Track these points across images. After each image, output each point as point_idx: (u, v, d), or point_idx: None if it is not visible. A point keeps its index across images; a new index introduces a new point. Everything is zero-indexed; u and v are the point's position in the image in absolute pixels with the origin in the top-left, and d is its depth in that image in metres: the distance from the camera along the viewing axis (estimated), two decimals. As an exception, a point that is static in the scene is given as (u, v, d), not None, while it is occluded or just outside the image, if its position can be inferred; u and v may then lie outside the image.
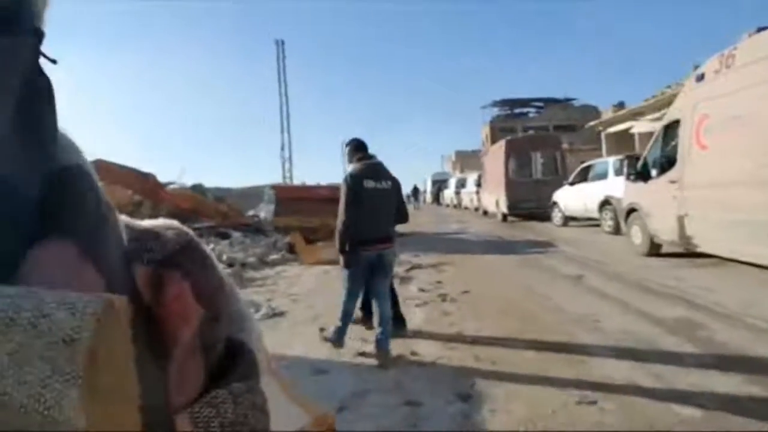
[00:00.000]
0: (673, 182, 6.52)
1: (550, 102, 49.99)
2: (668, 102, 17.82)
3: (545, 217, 13.88)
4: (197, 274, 0.27)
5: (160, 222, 0.30)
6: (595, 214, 11.07)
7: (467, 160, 55.84)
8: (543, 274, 6.80)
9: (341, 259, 3.72)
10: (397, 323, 4.11)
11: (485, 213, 18.78)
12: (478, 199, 20.15)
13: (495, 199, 16.13)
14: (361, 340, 4.16)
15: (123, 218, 0.27)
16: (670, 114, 6.96)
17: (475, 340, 4.05)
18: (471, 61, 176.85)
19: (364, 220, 3.55)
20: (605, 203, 10.55)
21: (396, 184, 3.82)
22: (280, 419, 0.27)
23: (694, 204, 6.15)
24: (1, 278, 0.17)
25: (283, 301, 6.05)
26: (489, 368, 3.43)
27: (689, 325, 4.12)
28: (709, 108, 5.85)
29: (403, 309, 5.24)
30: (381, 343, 3.61)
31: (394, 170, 3.88)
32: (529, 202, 14.48)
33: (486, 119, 50.48)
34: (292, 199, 11.29)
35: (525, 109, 51.43)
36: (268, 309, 5.57)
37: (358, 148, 3.85)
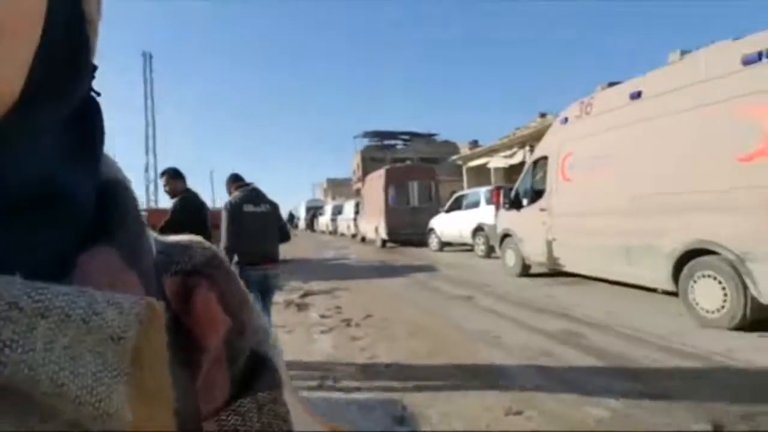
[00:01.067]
0: (542, 210, 7.39)
1: (415, 136, 53.44)
2: (518, 141, 20.41)
3: (422, 243, 14.63)
4: (223, 286, 0.27)
5: (185, 237, 0.31)
6: (469, 240, 12.00)
7: (338, 188, 56.79)
8: (436, 295, 7.13)
9: None
10: None
11: (363, 239, 19.17)
12: (356, 226, 20.51)
13: (374, 226, 16.58)
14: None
15: (151, 233, 0.28)
16: (539, 151, 7.92)
17: (390, 364, 4.07)
18: (337, 91, 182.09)
19: (247, 242, 3.70)
20: (478, 229, 11.51)
21: (275, 207, 4.09)
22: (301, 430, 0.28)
23: (560, 230, 7.02)
24: (56, 278, 0.18)
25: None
26: (413, 390, 3.46)
27: (572, 335, 4.65)
28: (572, 147, 6.80)
29: (307, 338, 5.10)
30: None
31: (275, 197, 4.16)
32: (407, 229, 15.16)
33: (357, 149, 52.01)
34: (153, 226, 10.31)
35: (393, 141, 54.16)
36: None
37: (235, 179, 4.08)
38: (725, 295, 4.55)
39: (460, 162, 27.87)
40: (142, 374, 0.19)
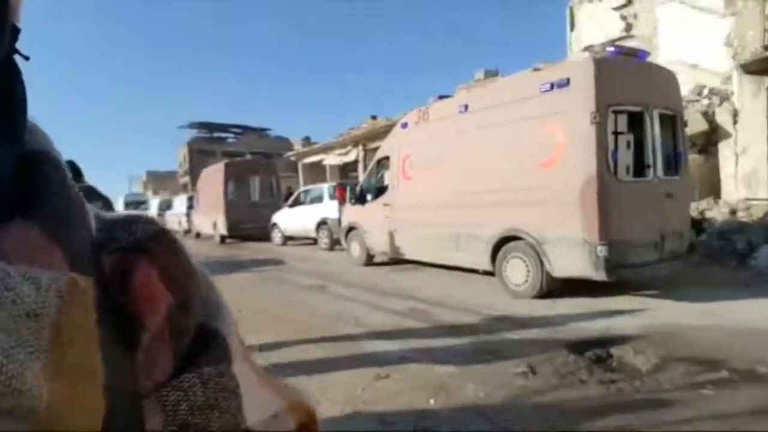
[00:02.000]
0: (385, 205, 8.18)
1: (247, 130, 51.74)
2: (352, 141, 21.57)
3: (263, 238, 14.56)
4: (165, 261, 0.27)
5: (130, 213, 0.30)
6: (313, 234, 12.41)
7: (161, 181, 51.95)
8: (290, 286, 7.38)
9: None
10: None
11: (198, 235, 18.15)
12: (189, 222, 19.29)
13: (212, 221, 15.88)
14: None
15: (93, 209, 0.28)
16: (381, 151, 8.70)
17: (263, 348, 4.26)
18: (160, 83, 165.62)
19: None
20: (322, 223, 11.99)
21: (108, 203, 4.24)
22: (254, 405, 0.27)
23: (401, 222, 7.88)
24: None
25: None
26: (289, 369, 3.74)
27: (417, 311, 5.40)
28: (410, 149, 7.69)
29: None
30: None
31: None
32: (248, 224, 14.90)
33: (183, 140, 48.24)
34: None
35: (224, 134, 51.61)
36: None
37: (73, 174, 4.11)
38: (528, 271, 5.78)
39: (294, 158, 28.12)
40: (62, 350, 0.18)
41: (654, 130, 5.38)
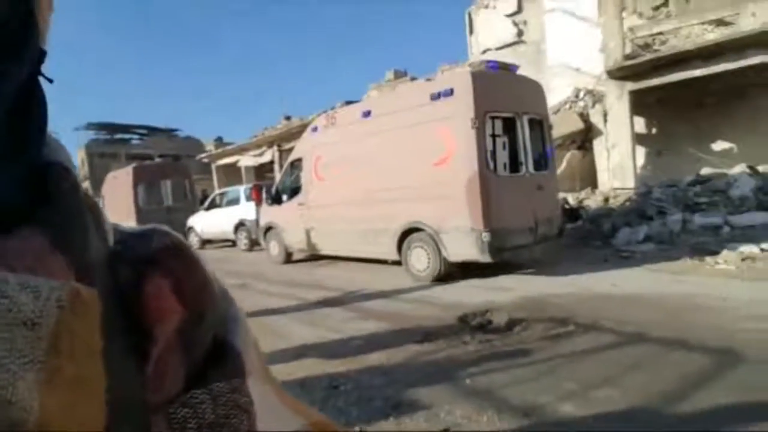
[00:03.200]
0: (301, 204, 8.66)
1: (153, 131, 49.09)
2: (266, 141, 21.64)
3: (179, 243, 14.34)
4: (179, 274, 0.27)
5: (149, 226, 0.30)
6: (231, 236, 12.55)
7: (55, 187, 47.87)
8: (210, 287, 7.63)
9: None
10: None
11: (106, 244, 17.36)
12: (94, 230, 18.34)
13: (121, 228, 15.31)
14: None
15: (112, 221, 0.28)
16: (295, 153, 9.16)
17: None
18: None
19: None
20: (240, 225, 12.17)
21: None
22: (271, 423, 0.27)
23: (315, 220, 8.42)
24: None
25: None
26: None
27: (330, 299, 6.00)
28: (321, 151, 8.23)
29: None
30: None
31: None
32: (162, 229, 14.60)
33: (81, 143, 44.77)
34: None
35: (127, 135, 48.56)
36: None
37: None
38: (428, 258, 6.59)
39: (208, 160, 27.45)
40: (59, 362, 0.18)
41: (525, 133, 6.40)
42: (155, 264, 0.26)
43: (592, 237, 8.81)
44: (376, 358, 3.80)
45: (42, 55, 0.24)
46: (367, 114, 7.35)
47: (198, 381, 0.26)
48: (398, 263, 7.21)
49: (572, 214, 10.08)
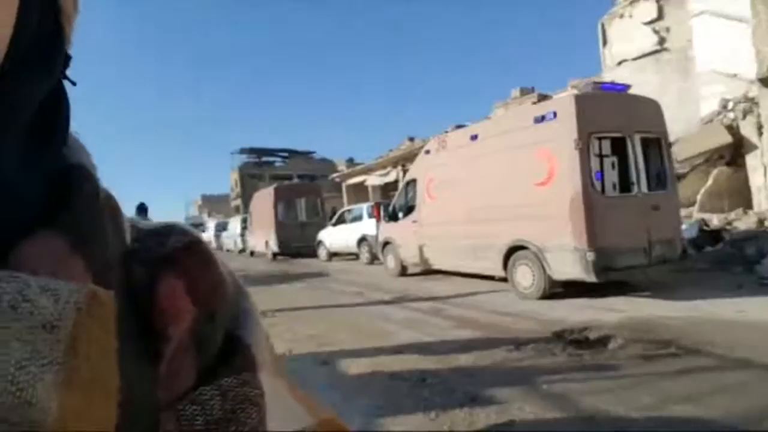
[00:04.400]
0: (414, 222, 9.31)
1: (293, 153, 54.31)
2: (391, 162, 22.90)
3: (311, 255, 15.97)
4: (194, 272, 0.27)
5: (167, 223, 0.31)
6: (355, 249, 13.67)
7: (215, 204, 55.31)
8: (332, 293, 8.60)
9: None
10: None
11: (252, 254, 19.87)
12: (244, 241, 21.09)
13: (264, 240, 17.51)
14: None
15: (130, 219, 0.29)
16: (409, 174, 9.88)
17: (311, 336, 5.46)
18: (212, 111, 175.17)
19: None
20: (362, 240, 13.23)
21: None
22: (281, 417, 0.27)
23: (427, 236, 8.98)
24: None
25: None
26: (330, 348, 4.90)
27: (438, 310, 6.46)
28: (433, 173, 8.82)
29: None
30: None
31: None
32: (297, 242, 16.40)
33: (234, 165, 51.17)
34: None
35: (271, 158, 54.35)
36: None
37: (138, 209, 7.43)
38: (533, 276, 6.72)
39: (338, 179, 29.76)
40: (77, 363, 0.18)
41: (636, 152, 6.27)
42: (170, 263, 0.27)
43: (732, 262, 8.05)
44: (464, 360, 4.18)
45: (67, 59, 0.25)
46: (474, 137, 7.76)
47: (208, 377, 0.26)
48: (505, 280, 7.42)
49: (711, 236, 9.26)
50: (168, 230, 0.30)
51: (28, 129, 0.22)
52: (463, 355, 4.30)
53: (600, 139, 6.25)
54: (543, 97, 15.39)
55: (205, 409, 0.25)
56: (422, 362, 4.19)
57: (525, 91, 22.04)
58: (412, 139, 25.24)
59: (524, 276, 6.88)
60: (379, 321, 6.01)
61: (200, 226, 33.58)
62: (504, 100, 22.44)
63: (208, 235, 29.80)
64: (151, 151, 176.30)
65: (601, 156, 6.38)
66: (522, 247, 6.90)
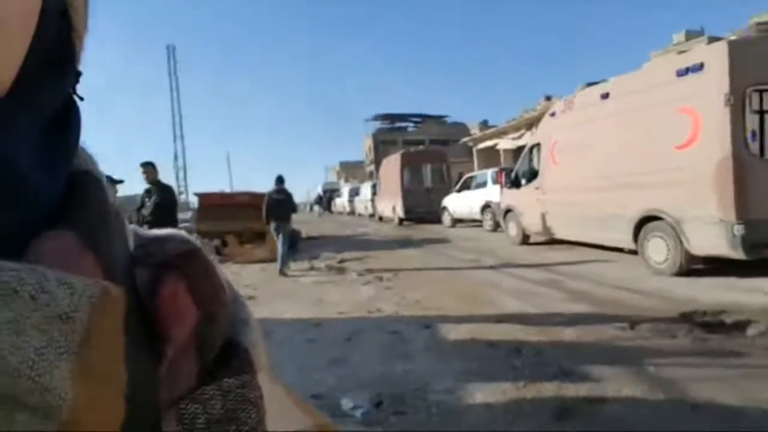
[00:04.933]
0: (537, 188, 8.87)
1: (426, 118, 54.37)
2: (526, 123, 21.69)
3: (435, 220, 16.17)
4: (195, 277, 0.28)
5: (166, 231, 0.32)
6: (478, 216, 13.51)
7: (351, 170, 58.30)
8: (447, 259, 8.72)
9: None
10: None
11: (381, 218, 20.77)
12: (373, 206, 22.09)
13: (392, 206, 18.15)
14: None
15: (132, 227, 0.30)
16: (533, 139, 9.38)
17: (418, 300, 5.67)
18: (350, 78, 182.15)
19: (272, 213, 8.27)
20: (486, 207, 13.01)
21: (288, 195, 8.56)
22: (279, 420, 0.28)
23: (551, 204, 8.51)
24: (8, 257, 0.19)
25: (244, 290, 7.07)
26: (435, 313, 5.05)
27: (552, 281, 6.20)
28: (558, 136, 8.24)
29: (352, 288, 6.72)
30: (284, 264, 8.27)
31: (289, 180, 8.39)
32: (422, 208, 16.70)
33: (369, 132, 52.99)
34: (215, 206, 11.91)
35: (404, 124, 55.11)
36: (234, 296, 6.61)
37: (278, 181, 8.55)
38: (668, 250, 6.04)
39: (470, 143, 29.15)
40: (90, 354, 0.19)
41: (812, 106, 5.15)
42: (172, 267, 0.27)
43: None
44: (568, 334, 4.02)
45: (77, 75, 0.26)
46: (605, 96, 7.04)
47: (208, 379, 0.26)
48: (635, 252, 6.79)
49: None
50: (169, 237, 0.31)
51: (44, 136, 0.24)
52: (568, 329, 4.12)
53: (761, 92, 5.24)
54: (714, 41, 13.15)
55: (206, 408, 0.25)
56: (522, 333, 4.13)
57: (691, 35, 19.04)
58: (549, 99, 23.54)
59: (657, 250, 6.21)
60: (487, 289, 5.98)
61: (336, 191, 35.94)
62: (665, 47, 19.62)
63: (342, 200, 31.81)
64: (294, 121, 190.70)
65: (762, 113, 5.36)
66: (656, 218, 6.21)
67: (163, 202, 5.88)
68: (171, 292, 0.26)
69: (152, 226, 3.53)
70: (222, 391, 0.26)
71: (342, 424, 2.75)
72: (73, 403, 0.18)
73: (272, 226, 8.38)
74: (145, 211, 5.85)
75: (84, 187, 0.25)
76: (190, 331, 0.27)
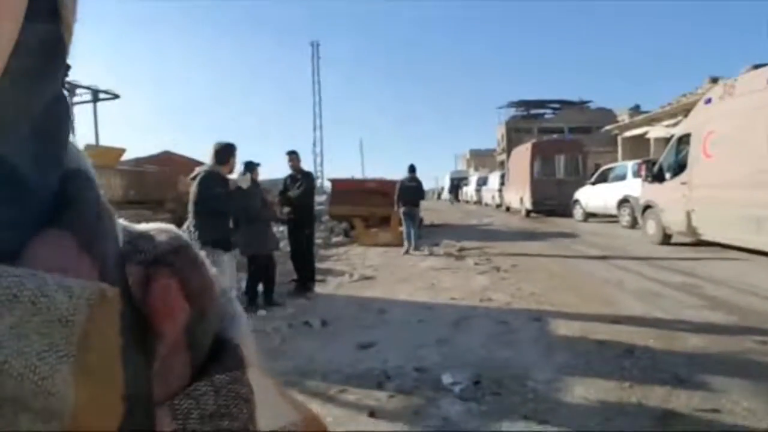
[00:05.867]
0: (683, 183, 8.03)
1: (566, 104, 50.82)
2: (683, 109, 19.21)
3: (565, 214, 15.36)
4: (186, 274, 0.28)
5: (155, 225, 0.32)
6: (614, 211, 12.56)
7: (481, 159, 57.25)
8: (573, 254, 8.36)
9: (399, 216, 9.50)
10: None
11: (508, 209, 20.29)
12: (501, 196, 21.64)
13: (519, 197, 17.64)
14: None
15: (121, 222, 0.29)
16: (682, 128, 8.46)
17: (533, 293, 5.62)
18: (486, 60, 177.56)
19: (403, 197, 9.23)
20: (624, 201, 12.04)
21: (419, 183, 9.61)
22: (269, 414, 0.28)
23: (699, 202, 7.65)
24: (5, 259, 0.19)
25: (366, 270, 7.63)
26: (549, 308, 4.99)
27: (687, 285, 5.66)
28: (714, 126, 7.35)
29: (467, 276, 6.84)
30: (416, 244, 9.25)
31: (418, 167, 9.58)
32: (552, 200, 15.97)
33: (502, 120, 51.30)
34: (346, 191, 12.80)
35: (541, 111, 52.20)
36: (358, 275, 7.17)
37: (410, 169, 9.55)
38: (843, 260, 5.13)
39: (615, 131, 26.72)
40: (88, 357, 0.19)
41: None
42: (163, 264, 0.27)
43: None
44: (693, 342, 3.74)
45: (66, 69, 0.26)
46: (773, 80, 6.11)
47: (200, 375, 0.27)
48: (800, 262, 5.87)
49: None
50: (159, 232, 0.31)
51: (34, 132, 0.23)
52: (694, 337, 3.83)
53: None
54: None
55: (199, 403, 0.25)
56: (638, 336, 3.92)
57: None
58: (715, 80, 20.52)
59: (829, 259, 5.31)
60: (610, 288, 5.69)
61: (464, 180, 35.71)
62: None
63: (469, 189, 31.55)
64: (427, 111, 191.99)
65: None
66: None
67: (308, 188, 6.53)
68: (163, 289, 0.26)
69: (296, 208, 5.52)
70: (214, 387, 0.26)
71: (440, 398, 2.99)
72: (74, 405, 0.18)
73: (402, 210, 9.26)
74: (292, 194, 6.48)
75: (77, 185, 0.25)
76: (182, 327, 0.27)
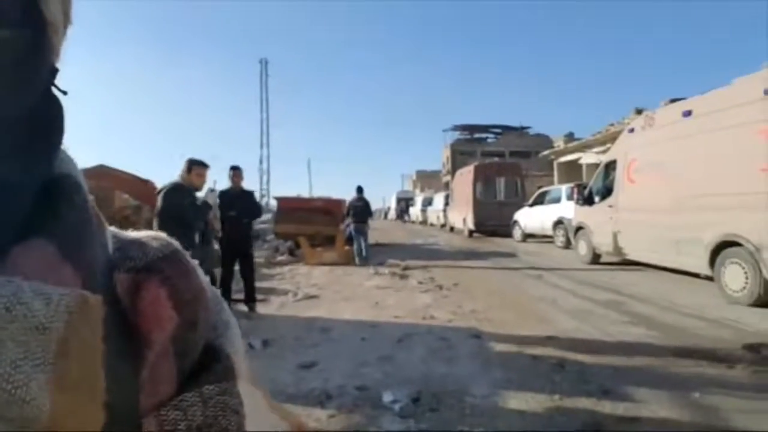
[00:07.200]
0: (610, 206, 8.60)
1: (507, 129, 53.20)
2: (612, 137, 20.61)
3: (506, 234, 15.96)
4: (176, 282, 0.27)
5: (146, 233, 0.31)
6: (550, 232, 13.21)
7: (427, 179, 58.48)
8: (512, 272, 8.68)
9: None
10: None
11: (452, 229, 20.80)
12: (445, 217, 22.18)
13: (462, 217, 18.16)
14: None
15: (112, 229, 0.29)
16: (609, 155, 9.09)
17: (473, 311, 5.78)
18: (432, 87, 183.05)
19: (354, 215, 10.49)
20: (558, 222, 12.69)
21: (366, 202, 10.65)
22: (258, 424, 0.28)
23: (624, 224, 8.21)
24: None
25: (310, 289, 7.57)
26: (487, 324, 5.16)
27: (615, 303, 6.03)
28: (637, 153, 7.96)
29: (411, 295, 6.94)
30: (365, 259, 10.21)
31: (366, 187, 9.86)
32: (493, 221, 16.55)
33: (447, 142, 52.85)
34: (291, 209, 12.68)
35: (483, 135, 54.34)
36: (302, 294, 7.09)
37: (358, 190, 10.66)
38: (746, 278, 5.67)
39: (551, 157, 28.18)
40: (67, 365, 0.19)
41: None
42: (153, 272, 0.27)
43: None
44: (617, 357, 3.98)
45: (54, 71, 0.25)
46: (687, 114, 6.73)
47: (189, 385, 0.26)
48: (711, 279, 6.41)
49: None
50: (149, 239, 0.30)
51: (19, 138, 0.22)
52: (619, 351, 4.08)
53: None
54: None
55: (187, 415, 0.25)
56: (569, 351, 4.14)
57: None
58: (639, 111, 22.19)
59: (734, 277, 5.85)
60: (545, 305, 5.96)
61: (410, 200, 36.33)
62: (753, 73, 18.02)
63: (415, 210, 32.10)
64: (374, 131, 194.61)
65: None
66: (734, 243, 5.86)
67: (251, 206, 6.34)
68: (152, 298, 0.26)
69: (236, 227, 5.59)
70: (203, 399, 0.26)
71: (380, 416, 3.01)
72: (51, 413, 0.18)
73: (352, 227, 10.53)
74: (233, 213, 6.19)
75: (64, 192, 0.25)
76: (170, 336, 0.26)
